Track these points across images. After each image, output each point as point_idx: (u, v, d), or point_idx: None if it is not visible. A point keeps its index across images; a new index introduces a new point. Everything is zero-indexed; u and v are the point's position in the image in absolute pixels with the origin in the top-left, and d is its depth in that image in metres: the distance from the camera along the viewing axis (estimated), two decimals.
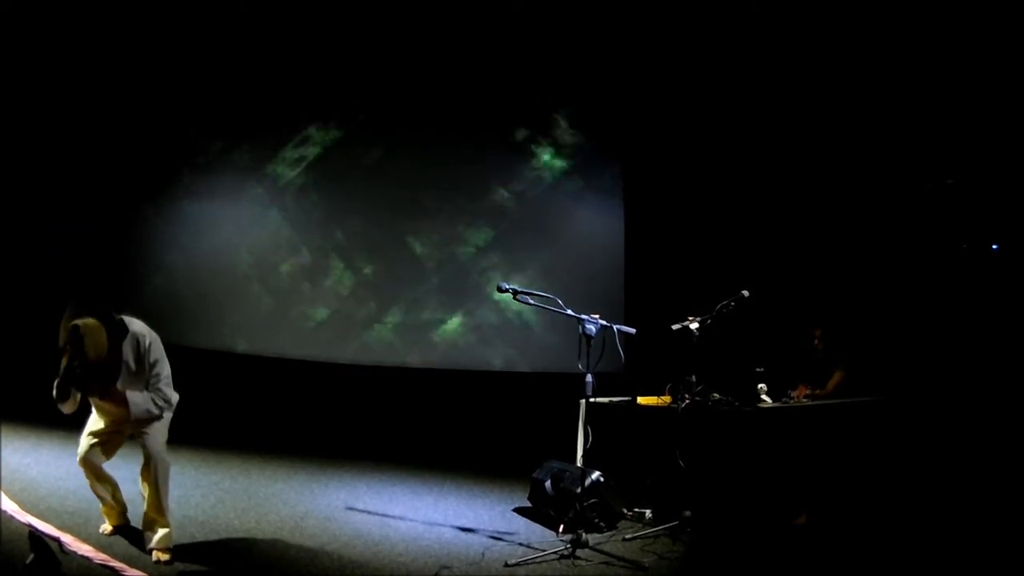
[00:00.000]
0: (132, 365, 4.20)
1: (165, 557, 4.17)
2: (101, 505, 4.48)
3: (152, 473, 4.23)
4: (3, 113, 8.33)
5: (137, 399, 4.19)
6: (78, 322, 4.02)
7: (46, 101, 8.64)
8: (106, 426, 4.36)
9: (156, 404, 4.25)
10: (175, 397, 4.36)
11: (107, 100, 8.70)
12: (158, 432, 4.30)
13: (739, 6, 7.25)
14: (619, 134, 7.90)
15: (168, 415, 4.35)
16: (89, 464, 4.33)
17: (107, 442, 4.39)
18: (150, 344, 4.25)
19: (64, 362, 4.03)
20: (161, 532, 4.22)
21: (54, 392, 4.07)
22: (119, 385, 4.17)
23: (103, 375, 4.11)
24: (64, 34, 8.50)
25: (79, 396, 4.14)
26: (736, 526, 5.13)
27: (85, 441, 4.35)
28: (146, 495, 4.26)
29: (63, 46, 8.55)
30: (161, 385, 4.28)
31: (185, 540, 4.50)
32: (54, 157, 8.74)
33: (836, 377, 5.97)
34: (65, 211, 8.75)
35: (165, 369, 4.33)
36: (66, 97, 8.66)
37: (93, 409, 4.40)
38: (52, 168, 8.75)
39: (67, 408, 4.12)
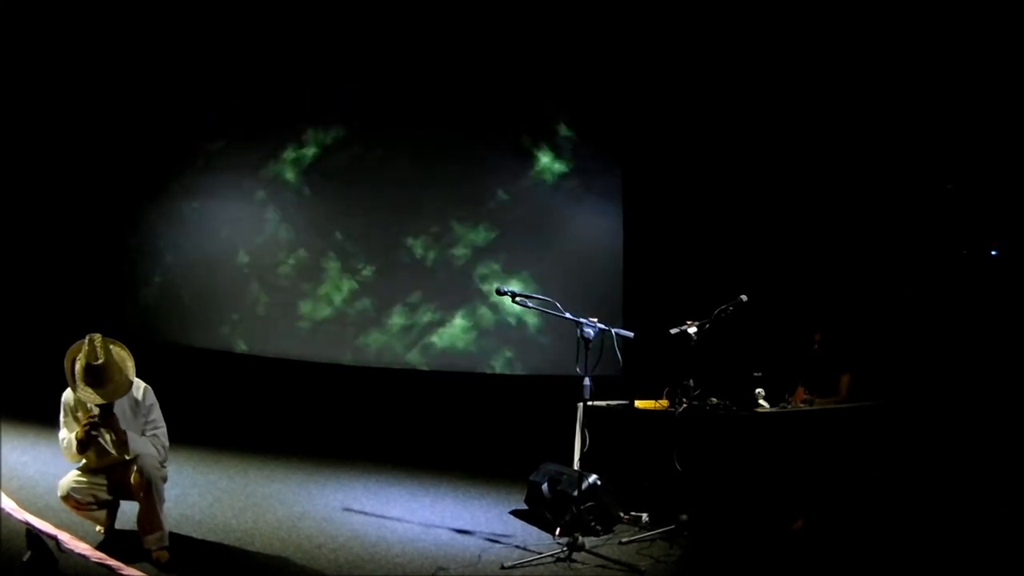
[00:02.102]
0: (128, 411, 4.29)
1: (163, 556, 4.17)
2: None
3: (144, 488, 4.16)
4: (4, 113, 8.33)
5: (137, 438, 4.25)
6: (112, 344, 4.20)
7: (47, 101, 8.66)
8: (94, 465, 4.31)
9: (156, 448, 4.31)
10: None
11: (108, 101, 8.72)
12: (152, 456, 4.30)
13: (740, 10, 7.27)
14: (619, 137, 7.90)
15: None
16: (72, 500, 4.25)
17: (102, 482, 4.33)
18: (144, 390, 4.37)
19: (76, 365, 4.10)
20: (156, 533, 4.20)
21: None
22: (122, 424, 4.21)
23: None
24: (65, 34, 8.52)
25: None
26: (733, 531, 5.13)
27: (70, 477, 4.28)
28: (141, 503, 4.21)
29: (64, 46, 8.56)
30: (159, 433, 4.37)
31: (182, 539, 4.51)
32: (55, 157, 8.75)
33: (846, 380, 5.97)
34: (65, 210, 8.76)
35: (162, 420, 4.42)
36: (67, 97, 8.68)
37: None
38: (52, 168, 8.76)
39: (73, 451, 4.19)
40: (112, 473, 4.30)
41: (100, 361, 4.10)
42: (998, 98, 6.55)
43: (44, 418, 5.84)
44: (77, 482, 4.26)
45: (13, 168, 8.59)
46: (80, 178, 8.75)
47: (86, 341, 4.15)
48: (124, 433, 4.18)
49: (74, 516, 4.39)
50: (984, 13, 6.47)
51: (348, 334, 8.15)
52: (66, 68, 8.63)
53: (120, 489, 4.31)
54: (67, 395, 4.30)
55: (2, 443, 5.86)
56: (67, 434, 4.27)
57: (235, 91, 8.62)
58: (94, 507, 4.32)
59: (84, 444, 4.16)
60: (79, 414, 4.24)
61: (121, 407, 4.24)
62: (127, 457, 4.20)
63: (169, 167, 8.76)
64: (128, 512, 4.48)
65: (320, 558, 4.48)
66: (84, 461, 4.32)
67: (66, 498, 4.24)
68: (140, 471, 4.16)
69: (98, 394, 4.10)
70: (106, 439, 4.19)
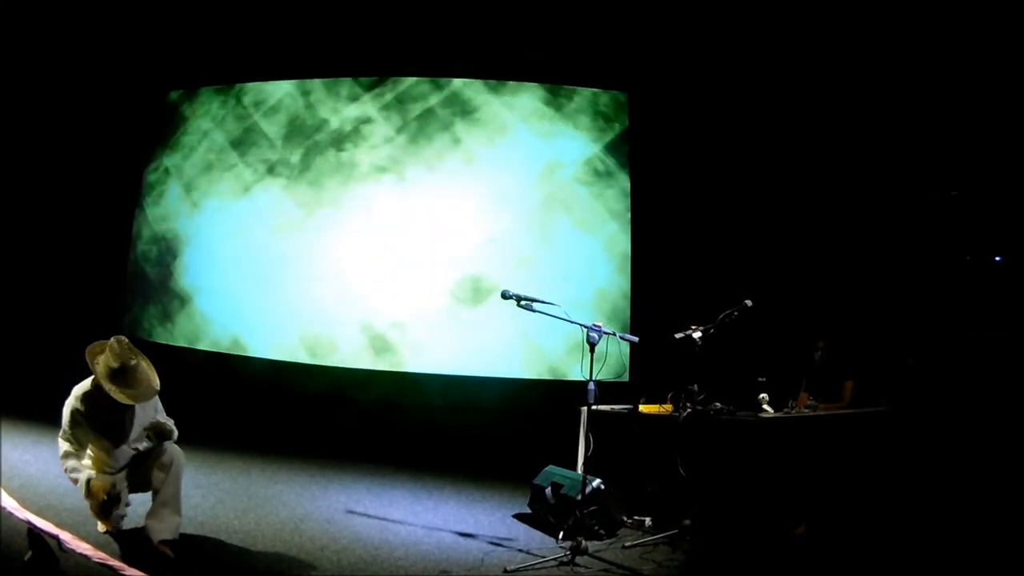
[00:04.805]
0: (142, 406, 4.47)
1: (169, 554, 4.18)
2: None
3: (169, 471, 4.30)
4: (4, 111, 8.33)
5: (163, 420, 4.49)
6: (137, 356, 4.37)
7: (48, 100, 8.66)
8: (110, 467, 4.39)
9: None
10: None
11: (109, 99, 8.72)
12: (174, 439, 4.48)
13: (748, 16, 7.27)
14: (626, 141, 7.90)
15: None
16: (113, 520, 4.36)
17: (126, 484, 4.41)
18: None
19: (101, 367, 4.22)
20: (172, 521, 4.26)
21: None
22: (142, 417, 4.40)
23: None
24: (66, 32, 8.53)
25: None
26: (736, 535, 5.12)
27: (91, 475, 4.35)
28: (161, 488, 4.28)
29: (65, 44, 8.57)
30: (165, 414, 4.59)
31: (185, 540, 4.49)
32: (55, 155, 8.75)
33: (850, 386, 5.97)
34: (68, 210, 8.75)
35: (162, 409, 4.62)
36: (68, 96, 8.68)
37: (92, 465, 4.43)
38: (53, 167, 8.76)
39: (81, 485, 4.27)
40: (133, 467, 4.36)
41: (135, 362, 4.30)
42: (1003, 104, 6.56)
43: (45, 417, 5.84)
44: (99, 476, 4.34)
45: (15, 168, 8.59)
46: (83, 177, 8.75)
47: (114, 342, 4.29)
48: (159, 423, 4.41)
49: (84, 512, 4.41)
50: (989, 19, 6.48)
51: (351, 336, 8.12)
52: (69, 66, 8.63)
53: (140, 480, 4.38)
54: (75, 403, 4.31)
55: (3, 442, 5.85)
56: (68, 446, 4.32)
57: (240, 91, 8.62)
58: (119, 501, 4.36)
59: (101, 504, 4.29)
60: (93, 410, 4.29)
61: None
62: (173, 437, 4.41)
63: (173, 165, 8.76)
64: (129, 511, 4.48)
65: (323, 560, 4.47)
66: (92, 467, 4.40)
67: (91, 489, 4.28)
68: (169, 455, 4.32)
69: (126, 395, 4.25)
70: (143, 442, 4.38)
